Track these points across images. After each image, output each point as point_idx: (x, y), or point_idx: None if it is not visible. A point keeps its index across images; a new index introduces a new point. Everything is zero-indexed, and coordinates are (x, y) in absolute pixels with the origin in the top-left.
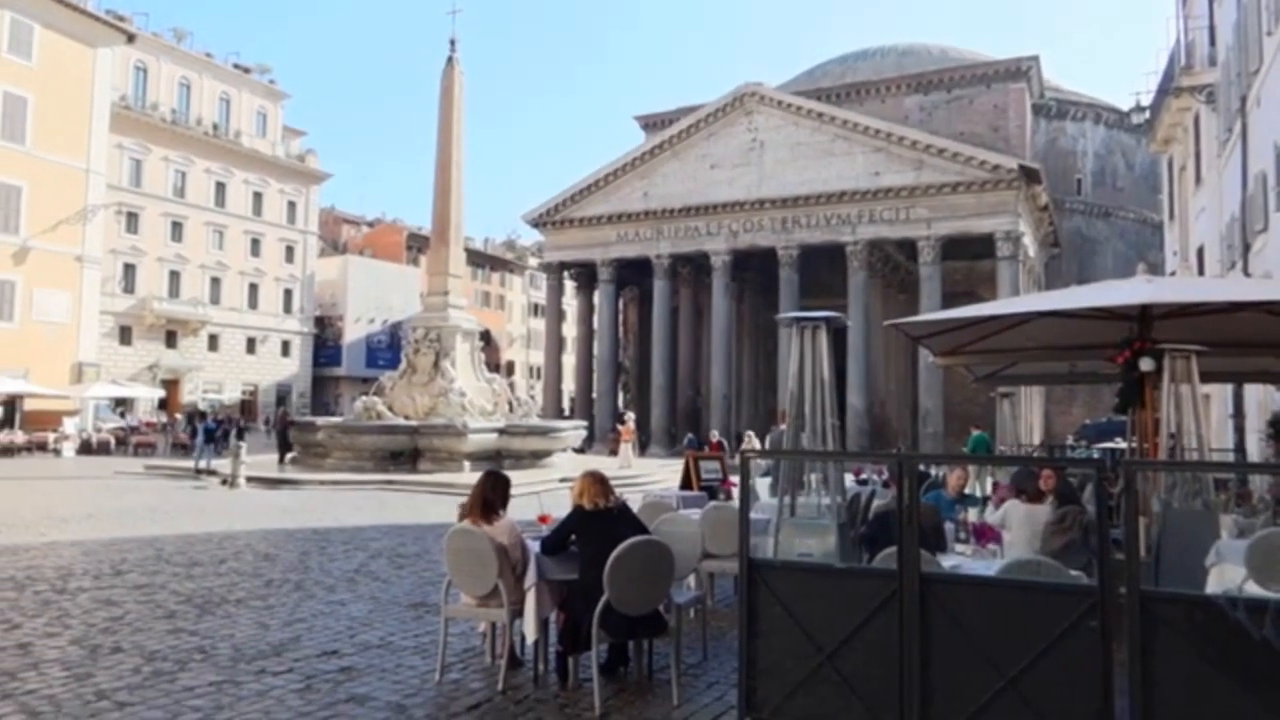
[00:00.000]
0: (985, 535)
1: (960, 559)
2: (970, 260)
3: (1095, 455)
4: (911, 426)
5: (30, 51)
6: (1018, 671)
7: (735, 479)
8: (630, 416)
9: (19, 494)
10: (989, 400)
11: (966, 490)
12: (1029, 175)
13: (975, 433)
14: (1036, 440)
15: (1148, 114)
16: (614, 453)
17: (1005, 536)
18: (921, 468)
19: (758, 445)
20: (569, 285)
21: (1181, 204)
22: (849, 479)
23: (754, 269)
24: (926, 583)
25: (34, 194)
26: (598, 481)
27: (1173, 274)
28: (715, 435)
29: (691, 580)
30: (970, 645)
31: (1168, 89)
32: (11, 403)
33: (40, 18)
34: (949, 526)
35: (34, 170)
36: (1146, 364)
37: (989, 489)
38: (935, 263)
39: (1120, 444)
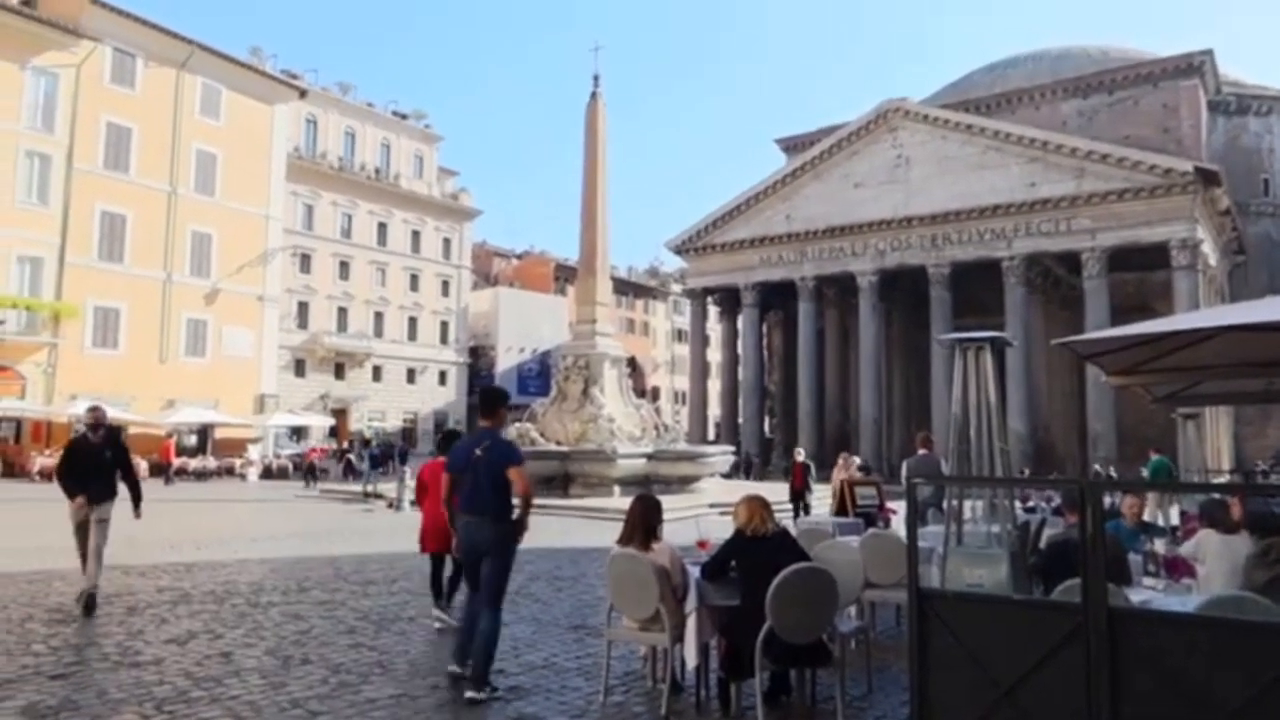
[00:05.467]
0: (1178, 568)
1: (1150, 594)
2: (1141, 272)
3: None
4: (1080, 451)
5: (219, 112)
6: (1227, 718)
7: (892, 505)
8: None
9: (214, 515)
10: (1168, 422)
11: (1146, 518)
12: (1206, 177)
13: (1155, 457)
14: (1225, 465)
15: None
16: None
17: (1199, 570)
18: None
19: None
20: (712, 310)
21: None
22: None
23: (902, 288)
24: (1116, 618)
25: (222, 240)
26: (760, 506)
27: None
28: (800, 455)
29: (852, 610)
30: (1169, 687)
31: None
32: (204, 431)
33: (227, 81)
34: (1135, 558)
35: (222, 219)
36: None
37: (1174, 518)
38: (1101, 276)
39: None
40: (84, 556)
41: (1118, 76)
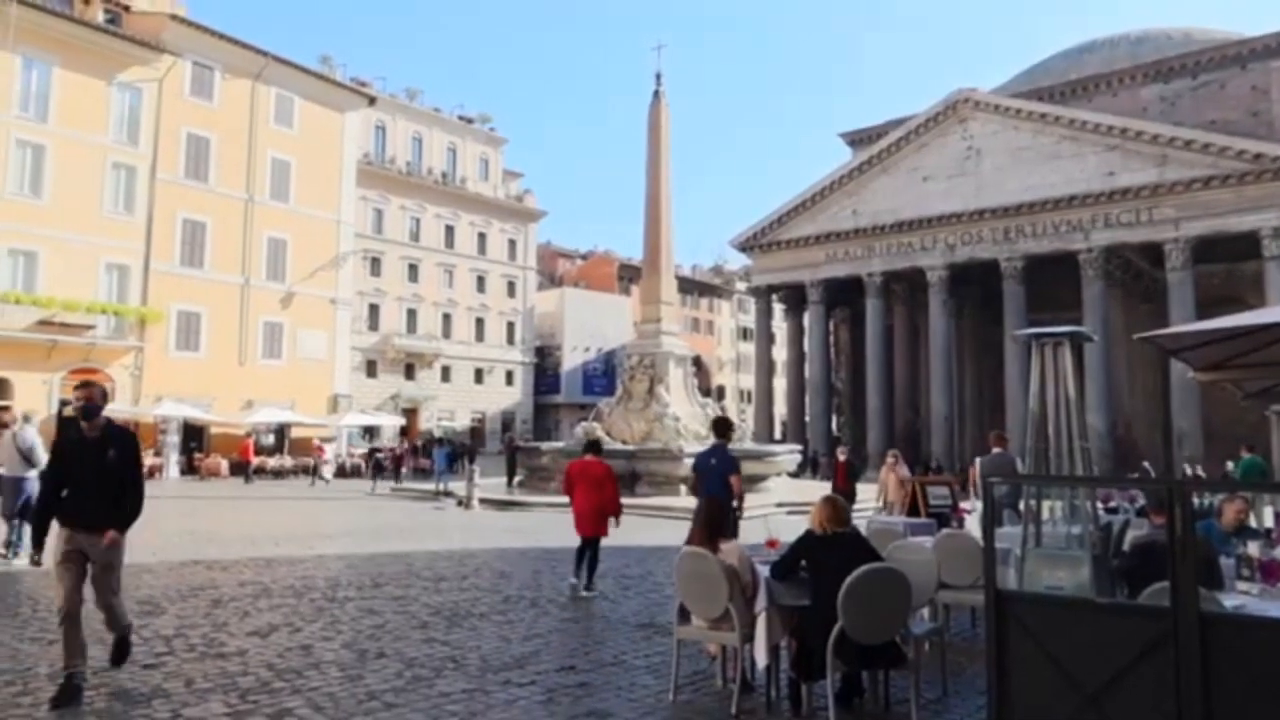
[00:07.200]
0: (1274, 572)
1: (1244, 599)
2: (1230, 263)
3: None
4: (1164, 449)
5: (292, 121)
6: None
7: (966, 505)
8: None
9: (292, 512)
10: (1260, 419)
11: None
12: None
13: (1246, 456)
14: None
15: None
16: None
17: None
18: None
19: (904, 469)
20: (778, 308)
21: None
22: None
23: (973, 283)
24: (1208, 623)
25: (296, 245)
26: (834, 506)
27: None
28: (843, 454)
29: (925, 611)
30: (1265, 695)
31: None
32: (281, 431)
33: (300, 90)
34: (1227, 562)
35: (296, 224)
36: None
37: (1268, 519)
38: (1186, 267)
39: None
40: (67, 614)
41: (1202, 59)
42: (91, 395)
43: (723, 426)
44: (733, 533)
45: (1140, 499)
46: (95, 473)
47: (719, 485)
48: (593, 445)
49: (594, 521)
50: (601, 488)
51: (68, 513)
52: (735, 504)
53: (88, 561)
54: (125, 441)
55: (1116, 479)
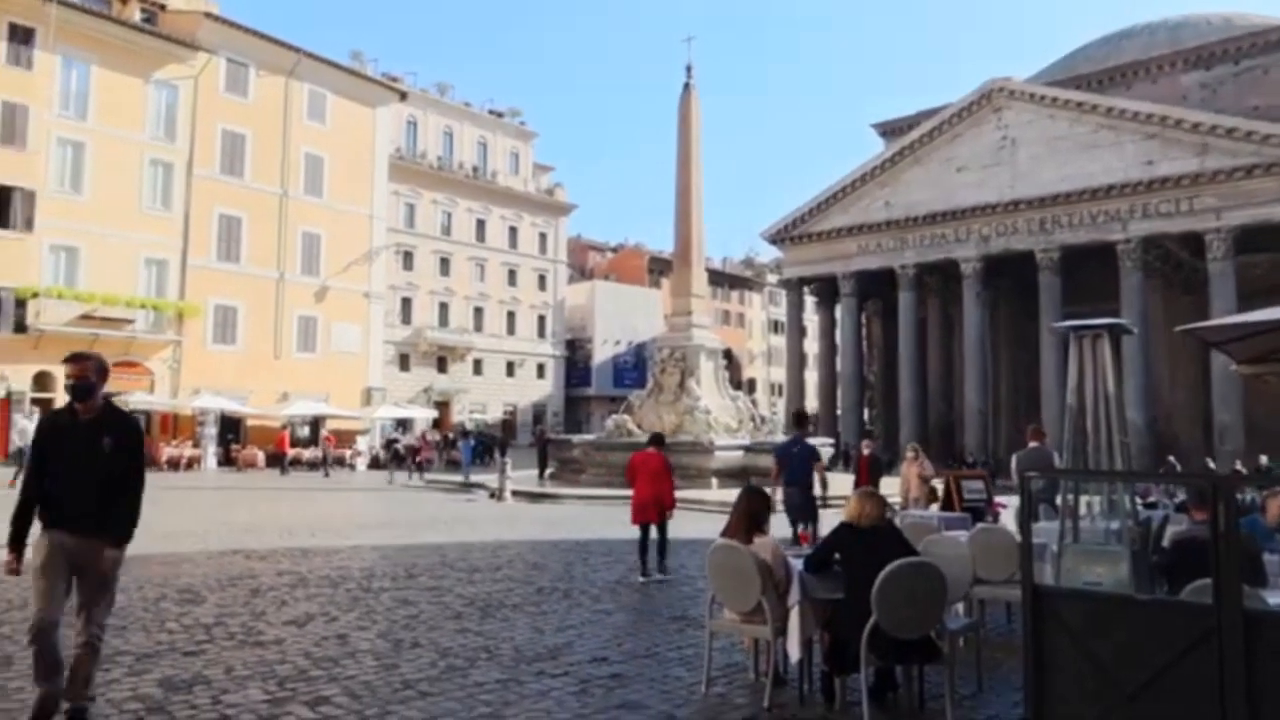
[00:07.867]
0: None
1: None
2: (1274, 252)
3: None
4: (1205, 444)
5: (325, 116)
6: None
7: (1000, 499)
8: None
9: (327, 503)
10: None
11: None
12: None
13: None
14: None
15: None
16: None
17: None
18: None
19: (926, 464)
20: (809, 301)
21: None
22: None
23: (1008, 275)
24: (1252, 621)
25: (330, 240)
26: (870, 500)
27: None
28: (867, 448)
29: (960, 607)
30: None
31: None
32: (316, 423)
33: (332, 86)
34: (1272, 559)
35: (329, 219)
36: None
37: None
38: (1227, 258)
39: None
40: (40, 629)
41: (1244, 44)
42: (84, 371)
43: (801, 419)
44: (814, 519)
45: (1180, 494)
46: (85, 463)
47: (801, 472)
48: (656, 439)
49: (652, 510)
50: (660, 480)
51: (51, 511)
52: (821, 489)
53: (74, 573)
54: (125, 428)
55: (1155, 474)
